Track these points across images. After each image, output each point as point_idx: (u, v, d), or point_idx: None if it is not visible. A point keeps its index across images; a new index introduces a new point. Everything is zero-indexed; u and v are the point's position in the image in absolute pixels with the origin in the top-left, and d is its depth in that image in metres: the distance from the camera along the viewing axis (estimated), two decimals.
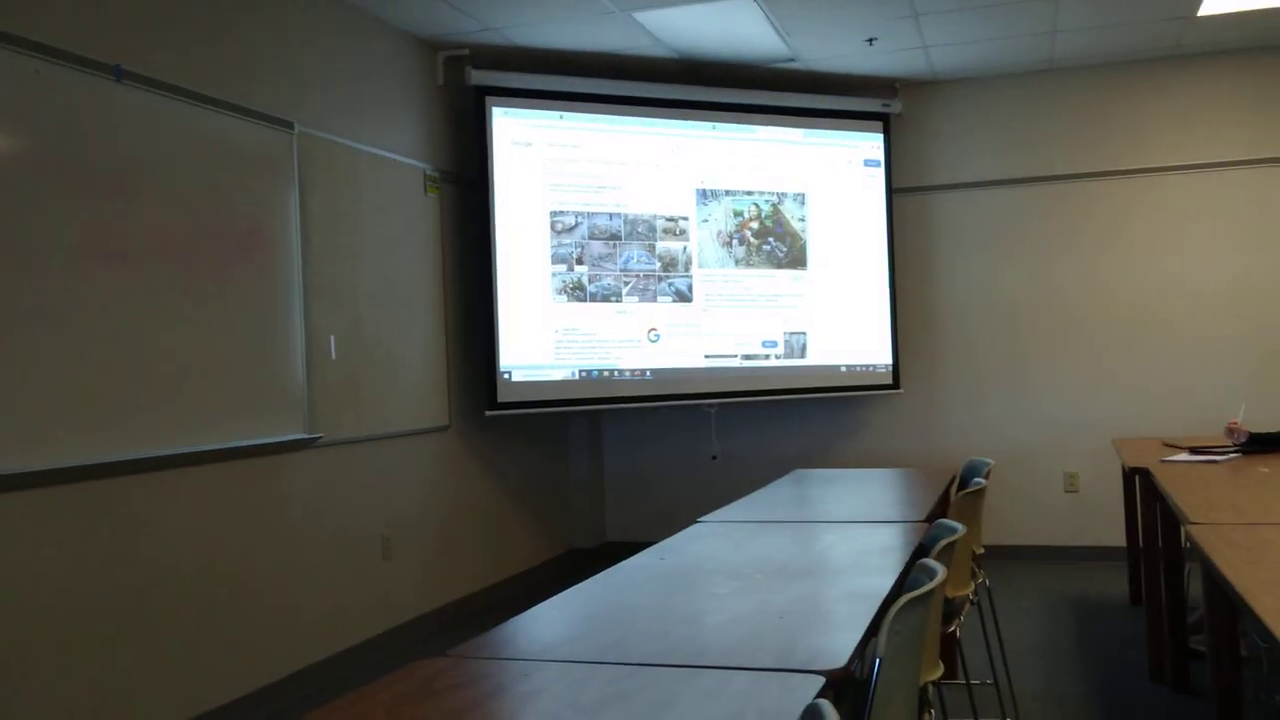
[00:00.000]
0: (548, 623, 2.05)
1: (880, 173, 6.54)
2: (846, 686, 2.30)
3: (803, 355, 6.37)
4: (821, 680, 1.60)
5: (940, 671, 2.38)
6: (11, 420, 3.13)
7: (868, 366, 6.48)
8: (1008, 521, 6.48)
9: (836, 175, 6.48)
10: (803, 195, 6.42)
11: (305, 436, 4.35)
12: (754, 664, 1.70)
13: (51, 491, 3.27)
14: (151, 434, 3.62)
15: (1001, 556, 6.42)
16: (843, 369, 6.44)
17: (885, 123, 6.55)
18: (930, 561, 2.17)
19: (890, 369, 6.50)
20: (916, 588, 1.95)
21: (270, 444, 4.17)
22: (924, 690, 2.26)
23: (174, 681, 3.69)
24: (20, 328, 3.17)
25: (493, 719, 1.48)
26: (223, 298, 3.95)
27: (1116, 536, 6.17)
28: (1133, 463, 4.11)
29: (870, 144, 6.53)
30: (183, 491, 3.78)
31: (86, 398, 3.37)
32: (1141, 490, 4.17)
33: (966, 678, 3.37)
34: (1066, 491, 6.41)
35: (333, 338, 4.57)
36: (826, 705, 1.30)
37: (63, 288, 3.31)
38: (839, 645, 1.80)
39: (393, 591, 4.98)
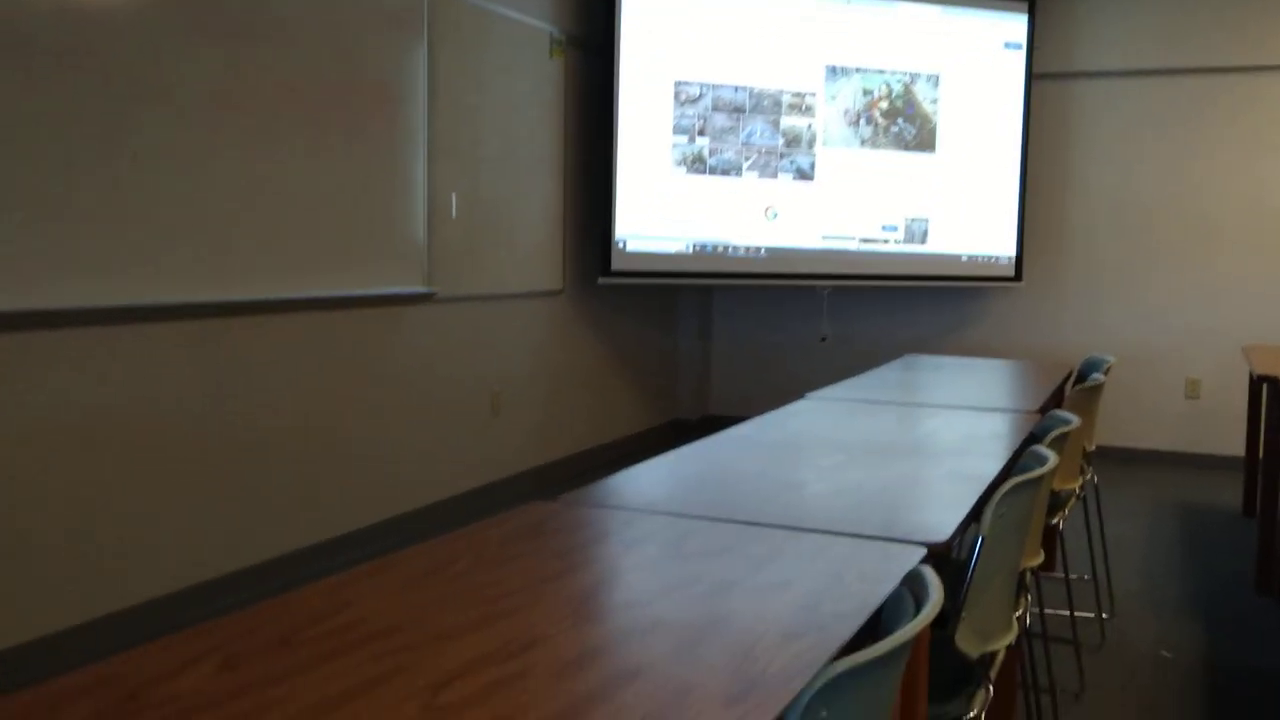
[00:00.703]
0: (652, 479, 2.10)
1: (1021, 56, 6.26)
2: (944, 564, 2.31)
3: (923, 241, 6.24)
4: (923, 550, 1.61)
5: (1041, 559, 2.38)
6: (138, 256, 3.27)
7: (989, 257, 6.31)
8: (1123, 424, 6.34)
9: (974, 57, 6.22)
10: (936, 76, 6.19)
11: (423, 291, 4.45)
12: (856, 531, 1.72)
13: (173, 325, 3.43)
14: (273, 277, 3.74)
15: (1113, 458, 6.31)
16: (963, 258, 6.29)
17: (1030, 3, 6.23)
18: (1041, 449, 2.14)
19: (1013, 261, 6.32)
20: (1025, 473, 1.94)
21: (388, 295, 4.28)
22: (1022, 576, 2.26)
23: (284, 512, 3.90)
24: (152, 167, 3.28)
25: (599, 559, 1.53)
26: (350, 150, 4.02)
27: (1235, 446, 6.00)
28: (1261, 370, 3.96)
29: (1012, 25, 6.24)
30: (301, 334, 3.92)
31: (212, 238, 3.50)
32: (1268, 399, 4.03)
33: (1066, 571, 3.36)
34: (1187, 398, 6.23)
35: (454, 196, 4.63)
36: (929, 570, 1.31)
37: (195, 131, 3.41)
38: (942, 521, 1.81)
39: (499, 446, 5.13)
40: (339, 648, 1.18)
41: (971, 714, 1.77)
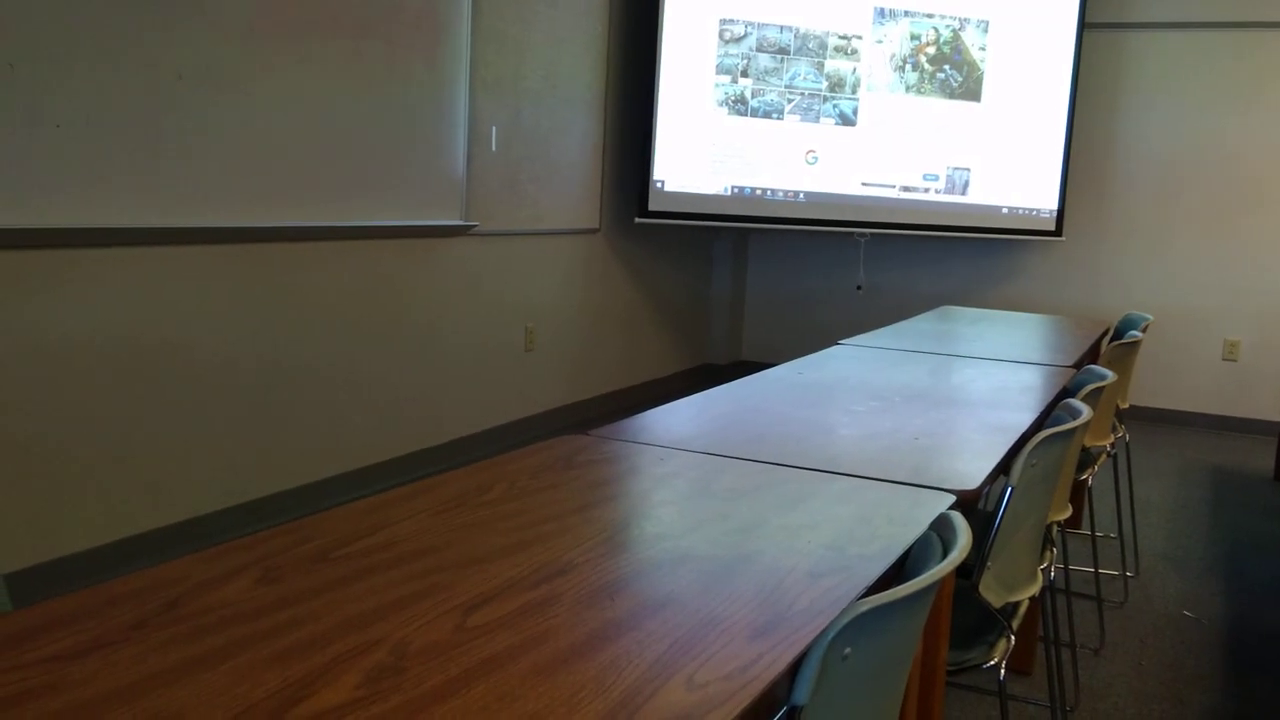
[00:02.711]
0: (684, 418, 2.11)
1: (1074, 4, 6.12)
2: (971, 516, 2.32)
3: (964, 192, 6.16)
4: (952, 498, 1.62)
5: (1068, 514, 2.38)
6: (182, 179, 3.29)
7: (1031, 210, 6.23)
8: (1158, 383, 6.29)
9: (1025, 3, 6.09)
10: (986, 23, 6.07)
11: (461, 223, 4.46)
12: (886, 476, 1.72)
13: (211, 248, 3.46)
14: (312, 204, 3.76)
15: (1146, 418, 6.26)
16: (1004, 210, 6.21)
17: None
18: (1075, 402, 2.14)
19: (1054, 215, 6.24)
20: (1058, 425, 1.93)
21: (426, 226, 4.29)
22: (1049, 529, 2.26)
23: (318, 439, 3.95)
24: (197, 88, 3.29)
25: (630, 492, 1.55)
26: (392, 77, 4.01)
27: (1272, 412, 5.94)
28: None
29: None
30: (340, 262, 3.95)
31: (253, 163, 3.51)
32: None
33: (1093, 529, 3.36)
34: (1225, 360, 6.16)
35: (494, 129, 4.62)
36: (958, 515, 1.32)
37: (240, 53, 3.41)
38: (972, 469, 1.81)
39: (532, 382, 5.16)
40: (374, 566, 1.20)
41: (992, 662, 1.79)
